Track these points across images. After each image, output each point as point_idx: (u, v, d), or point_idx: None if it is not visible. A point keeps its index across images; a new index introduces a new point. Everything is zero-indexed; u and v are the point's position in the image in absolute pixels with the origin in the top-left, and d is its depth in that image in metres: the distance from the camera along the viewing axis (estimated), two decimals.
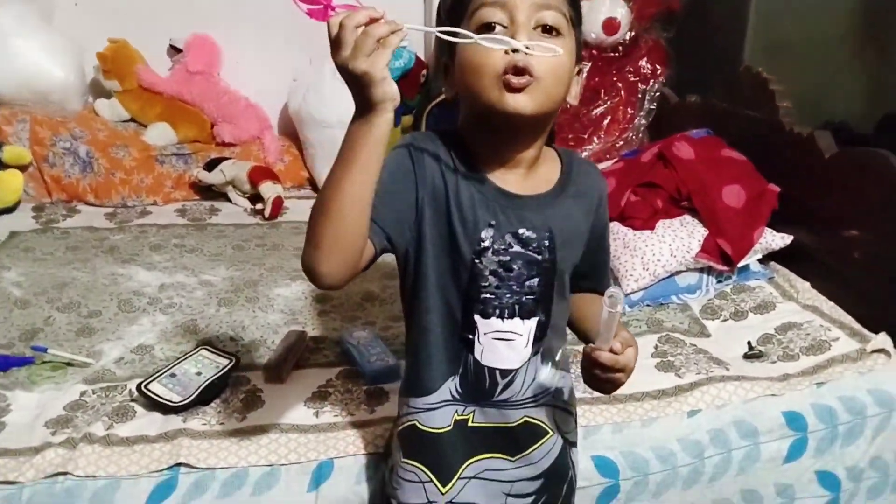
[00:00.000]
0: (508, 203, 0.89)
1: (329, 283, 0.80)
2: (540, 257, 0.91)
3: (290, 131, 2.50)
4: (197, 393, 1.23)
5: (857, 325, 1.46)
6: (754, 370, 1.37)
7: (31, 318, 1.52)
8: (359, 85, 0.72)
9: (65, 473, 1.09)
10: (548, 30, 0.85)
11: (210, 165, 2.28)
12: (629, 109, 2.41)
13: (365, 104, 0.73)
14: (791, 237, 1.68)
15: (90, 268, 1.76)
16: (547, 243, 0.91)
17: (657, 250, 1.64)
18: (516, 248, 0.90)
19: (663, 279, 1.65)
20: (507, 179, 0.90)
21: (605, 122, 2.42)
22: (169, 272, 1.78)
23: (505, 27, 0.84)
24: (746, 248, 1.65)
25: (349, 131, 0.76)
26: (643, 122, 2.41)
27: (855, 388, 1.30)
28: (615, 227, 1.74)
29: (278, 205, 2.19)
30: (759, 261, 1.72)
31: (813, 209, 1.67)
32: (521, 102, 0.83)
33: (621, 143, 2.39)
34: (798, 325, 1.49)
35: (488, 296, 0.91)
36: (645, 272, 1.62)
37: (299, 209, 2.25)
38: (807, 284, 1.65)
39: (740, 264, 1.66)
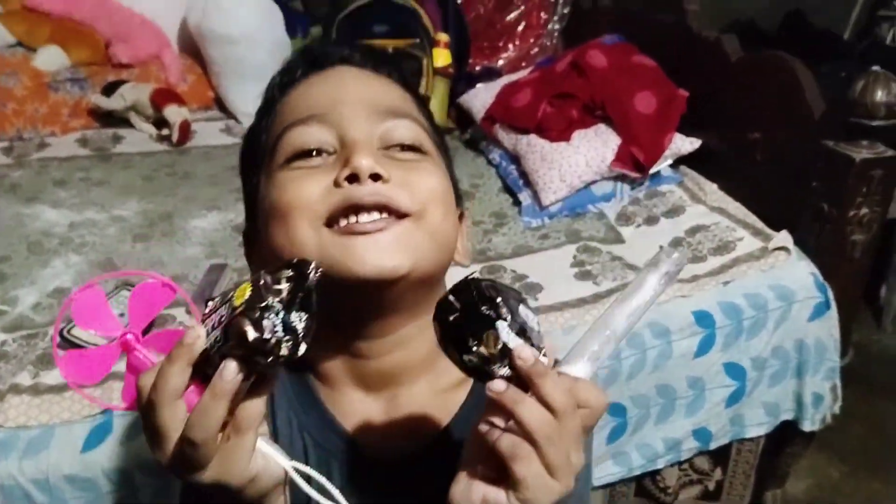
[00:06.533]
0: (372, 474, 0.58)
1: None
2: None
3: (192, 48, 2.37)
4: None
5: (760, 225, 1.54)
6: None
7: None
8: (217, 492, 0.47)
9: None
10: (407, 148, 0.57)
11: (108, 90, 2.15)
12: (543, 14, 2.39)
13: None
14: (699, 141, 1.74)
15: None
16: None
17: (573, 161, 1.67)
18: None
19: (580, 189, 1.69)
20: (370, 419, 0.58)
21: (520, 27, 2.41)
22: (77, 209, 1.70)
23: (331, 152, 0.56)
24: (657, 154, 1.70)
25: None
26: (557, 27, 2.40)
27: (757, 286, 1.39)
28: (532, 139, 1.76)
29: (185, 129, 2.10)
30: (671, 165, 1.78)
31: (720, 112, 1.73)
32: (382, 252, 0.52)
33: (536, 49, 2.39)
34: (706, 227, 1.57)
35: None
36: (562, 183, 1.66)
37: (208, 132, 2.18)
38: (714, 186, 1.71)
39: (652, 170, 1.72)
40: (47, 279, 1.44)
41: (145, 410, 0.45)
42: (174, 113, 2.10)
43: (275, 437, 0.56)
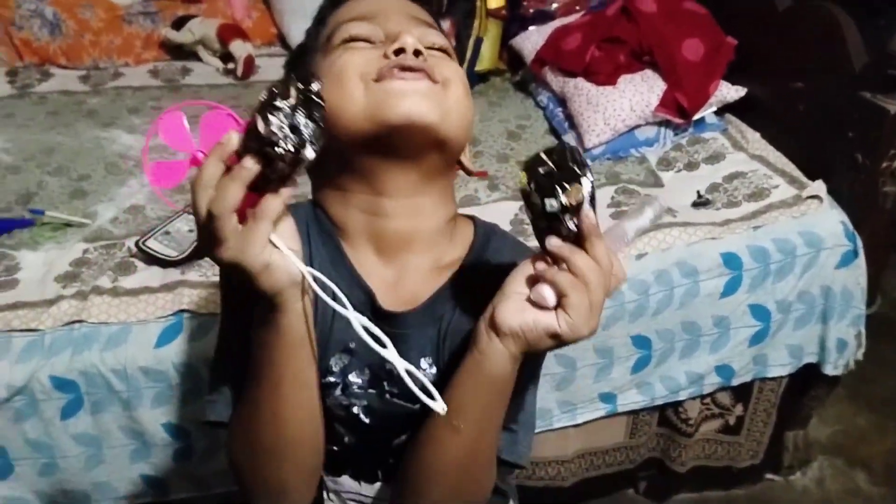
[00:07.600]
0: (387, 322, 0.65)
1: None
2: (418, 406, 0.64)
3: None
4: (191, 248, 1.34)
5: (797, 173, 1.57)
6: (700, 217, 1.49)
7: (24, 183, 1.60)
8: (239, 277, 0.55)
9: (80, 321, 1.21)
10: (437, 50, 0.69)
11: (177, 24, 2.26)
12: None
13: (258, 299, 0.57)
14: (745, 89, 1.76)
15: (73, 132, 1.82)
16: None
17: (618, 105, 1.72)
18: (378, 392, 0.68)
19: (623, 133, 1.74)
20: (383, 278, 0.69)
21: None
22: None
23: (375, 42, 0.68)
24: (702, 101, 1.73)
25: (254, 339, 0.60)
26: None
27: (787, 231, 1.43)
28: (579, 82, 1.81)
29: (250, 64, 2.20)
30: (715, 113, 1.81)
31: (766, 61, 1.74)
32: (419, 99, 0.62)
33: None
34: (744, 174, 1.61)
35: (336, 449, 0.70)
36: (606, 127, 1.71)
37: (271, 67, 2.27)
38: (757, 135, 1.74)
39: (696, 117, 1.75)
40: (124, 197, 1.57)
41: (192, 197, 0.55)
42: (239, 48, 2.20)
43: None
